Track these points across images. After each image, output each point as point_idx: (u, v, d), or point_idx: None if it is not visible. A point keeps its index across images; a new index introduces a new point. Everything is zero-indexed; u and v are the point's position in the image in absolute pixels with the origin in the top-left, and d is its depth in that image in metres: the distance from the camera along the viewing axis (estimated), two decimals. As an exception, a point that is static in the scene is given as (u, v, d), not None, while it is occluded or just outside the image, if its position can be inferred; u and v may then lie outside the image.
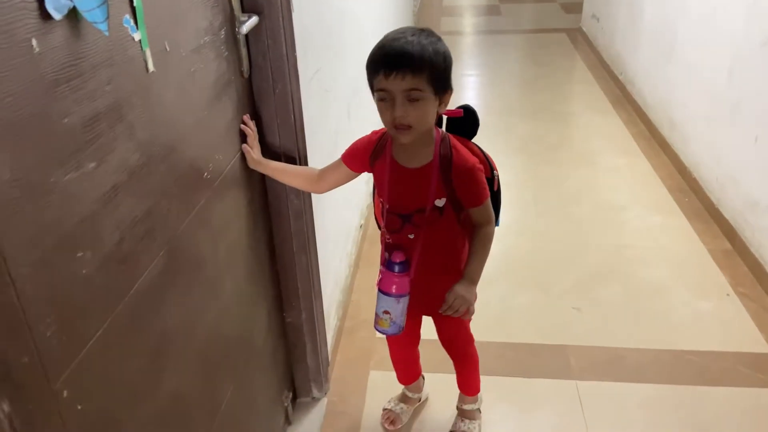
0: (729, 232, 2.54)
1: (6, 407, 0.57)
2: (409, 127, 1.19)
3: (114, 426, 0.86)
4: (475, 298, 1.35)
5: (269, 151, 1.46)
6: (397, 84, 1.15)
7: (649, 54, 3.76)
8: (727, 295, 2.25)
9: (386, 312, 1.39)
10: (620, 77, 4.33)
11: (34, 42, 0.67)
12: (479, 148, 1.42)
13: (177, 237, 1.03)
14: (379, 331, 1.44)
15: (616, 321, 2.16)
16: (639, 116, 3.81)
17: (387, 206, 1.38)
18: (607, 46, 4.80)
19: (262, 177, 1.50)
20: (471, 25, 6.77)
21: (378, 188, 1.41)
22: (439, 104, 1.23)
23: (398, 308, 1.38)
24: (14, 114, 0.64)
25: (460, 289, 1.31)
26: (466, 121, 1.39)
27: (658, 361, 1.97)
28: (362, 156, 1.39)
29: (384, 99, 1.18)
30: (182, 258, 1.06)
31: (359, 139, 1.41)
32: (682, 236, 2.62)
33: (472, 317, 1.55)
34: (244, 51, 1.32)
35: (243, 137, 1.36)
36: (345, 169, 1.43)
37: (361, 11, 2.62)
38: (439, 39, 1.22)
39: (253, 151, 1.37)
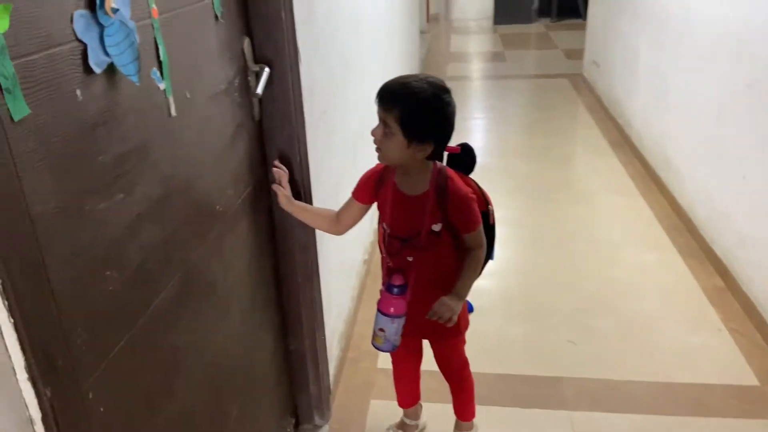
0: (721, 269, 2.62)
1: (49, 393, 0.67)
2: (379, 149, 1.38)
3: (132, 430, 0.95)
4: (459, 312, 1.46)
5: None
6: (380, 112, 1.36)
7: (644, 97, 3.91)
8: (719, 330, 2.32)
9: (381, 330, 1.51)
10: (619, 120, 4.47)
11: (78, 92, 0.80)
12: (475, 182, 1.55)
13: (191, 262, 1.14)
14: (375, 347, 1.55)
15: (609, 353, 2.23)
16: (636, 157, 3.93)
17: (388, 230, 1.51)
18: (607, 91, 4.96)
19: (270, 211, 1.62)
20: (477, 71, 6.99)
21: (381, 213, 1.53)
22: (409, 147, 1.34)
23: (392, 328, 1.49)
24: (60, 152, 0.76)
25: (446, 299, 1.43)
26: (463, 158, 1.52)
27: (650, 392, 2.03)
28: (368, 185, 1.53)
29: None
30: (195, 282, 1.17)
31: (365, 173, 1.55)
32: (676, 273, 2.70)
33: (465, 343, 1.66)
34: (256, 99, 1.45)
35: (254, 175, 1.48)
36: (357, 205, 1.56)
37: (366, 57, 2.78)
38: (438, 93, 1.33)
39: (285, 191, 1.53)
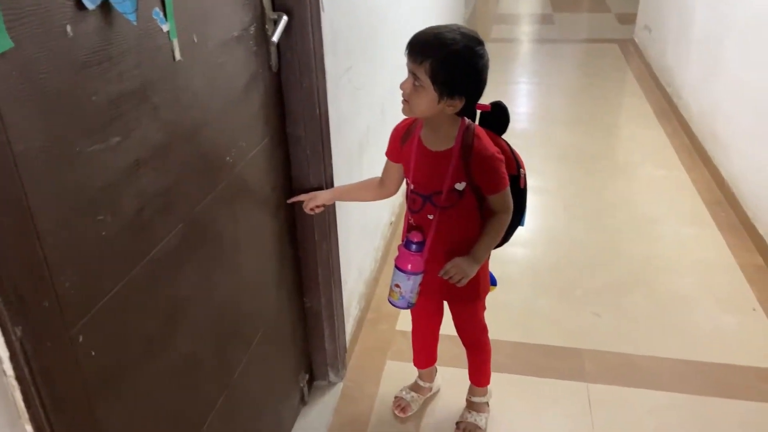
0: (762, 247, 2.49)
1: (18, 332, 0.67)
2: (407, 101, 1.33)
3: (126, 374, 0.96)
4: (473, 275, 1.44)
5: (295, 143, 1.56)
6: (409, 65, 1.30)
7: (697, 66, 3.70)
8: (753, 309, 2.21)
9: (397, 286, 1.49)
10: (668, 89, 4.27)
11: (68, 28, 0.77)
12: (507, 144, 1.48)
13: (195, 213, 1.13)
14: (390, 303, 1.54)
15: (635, 328, 2.16)
16: (683, 129, 3.75)
17: (411, 186, 1.47)
18: (658, 58, 4.73)
19: (288, 166, 1.59)
20: (523, 33, 6.76)
21: (405, 168, 1.50)
22: (440, 101, 1.29)
23: (408, 285, 1.47)
24: (47, 89, 0.74)
25: (460, 260, 1.41)
26: (496, 117, 1.46)
27: (674, 370, 1.97)
28: (395, 142, 1.50)
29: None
30: (200, 234, 1.16)
31: (393, 129, 1.51)
32: (714, 249, 2.59)
33: (485, 309, 1.65)
34: (273, 47, 1.41)
35: (270, 127, 1.46)
36: (391, 164, 1.54)
37: (402, 15, 2.70)
38: (472, 45, 1.27)
39: (312, 202, 1.57)
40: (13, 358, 0.68)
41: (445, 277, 1.41)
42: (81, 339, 0.84)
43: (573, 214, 2.93)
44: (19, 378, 0.72)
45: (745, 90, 2.86)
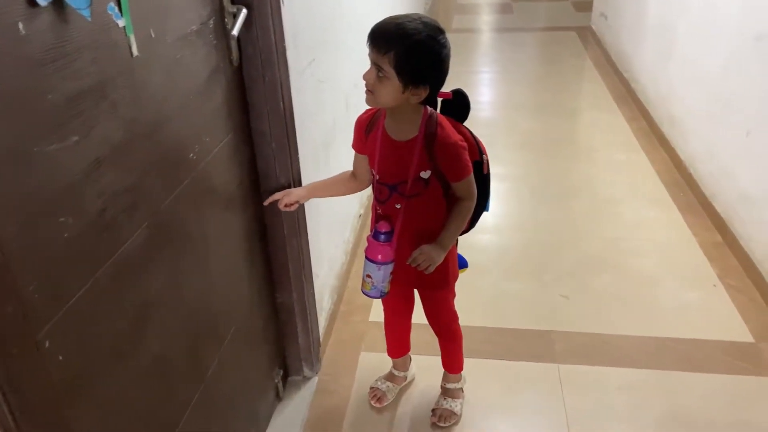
0: (720, 225, 2.57)
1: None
2: (370, 92, 1.32)
3: (96, 377, 0.94)
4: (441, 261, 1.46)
5: (260, 138, 1.55)
6: (372, 55, 1.30)
7: (652, 51, 3.78)
8: (714, 285, 2.29)
9: (369, 276, 1.50)
10: (625, 74, 4.35)
11: (20, 25, 0.75)
12: (469, 131, 1.50)
13: (160, 212, 1.11)
14: (364, 293, 1.55)
15: (603, 309, 2.21)
16: (641, 113, 3.83)
17: (377, 177, 1.47)
18: (614, 44, 4.82)
19: (253, 161, 1.58)
20: (484, 23, 6.81)
21: (370, 159, 1.50)
22: (405, 91, 1.30)
23: (379, 274, 1.48)
24: (1, 89, 0.72)
25: (427, 247, 1.43)
26: (457, 104, 1.47)
27: (642, 347, 2.02)
28: (359, 134, 1.50)
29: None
30: (166, 232, 1.14)
31: (356, 120, 1.51)
32: (675, 229, 2.66)
33: (455, 297, 1.67)
34: (233, 41, 1.39)
35: (234, 122, 1.44)
36: (360, 156, 1.54)
37: (363, 8, 2.69)
38: (434, 34, 1.27)
39: (287, 198, 1.56)
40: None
41: (413, 264, 1.42)
42: (48, 344, 0.82)
43: (539, 199, 2.97)
44: (-15, 386, 0.70)
45: (699, 73, 2.94)
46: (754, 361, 1.94)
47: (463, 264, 1.64)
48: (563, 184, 3.12)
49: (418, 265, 1.42)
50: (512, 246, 2.63)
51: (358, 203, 2.71)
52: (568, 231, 2.70)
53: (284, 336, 1.88)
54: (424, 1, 5.81)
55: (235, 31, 1.33)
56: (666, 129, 3.38)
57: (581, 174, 3.21)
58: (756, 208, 2.31)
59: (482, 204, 1.53)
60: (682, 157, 3.08)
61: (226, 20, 1.35)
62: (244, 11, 1.37)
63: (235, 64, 1.43)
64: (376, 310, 2.22)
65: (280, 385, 1.87)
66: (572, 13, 6.73)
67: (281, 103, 1.54)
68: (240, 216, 1.52)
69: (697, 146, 2.93)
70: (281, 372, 1.88)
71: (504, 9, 7.19)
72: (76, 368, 0.89)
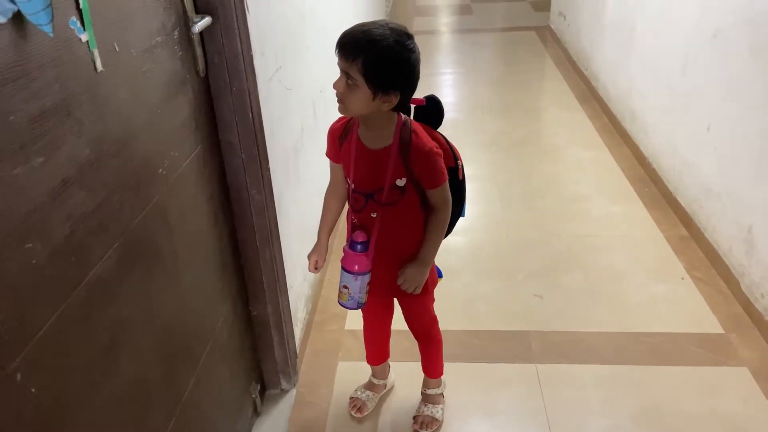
0: (685, 219, 2.63)
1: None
2: (341, 101, 1.31)
3: (70, 409, 0.90)
4: (428, 276, 1.49)
5: (229, 150, 1.51)
6: (340, 63, 1.28)
7: (611, 49, 3.86)
8: (682, 278, 2.33)
9: (345, 287, 1.49)
10: (585, 73, 4.43)
11: (-22, 44, 0.71)
12: (444, 137, 1.49)
13: (130, 231, 1.07)
14: (341, 304, 1.53)
15: (576, 306, 2.23)
16: (603, 110, 3.90)
17: (352, 186, 1.45)
18: (574, 43, 4.90)
19: (223, 174, 1.54)
20: (444, 25, 6.85)
21: (345, 168, 1.48)
22: (375, 98, 1.28)
23: (356, 285, 1.47)
24: (-41, 111, 0.68)
25: (410, 270, 1.44)
26: (430, 111, 1.46)
27: (614, 342, 2.05)
28: (333, 142, 1.48)
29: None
30: (137, 252, 1.10)
31: (329, 128, 1.49)
32: (641, 224, 2.71)
33: (434, 301, 1.67)
34: (199, 50, 1.36)
35: (202, 134, 1.40)
36: (334, 165, 1.52)
37: (326, 13, 2.67)
38: (402, 40, 1.26)
39: (320, 259, 1.59)
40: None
41: (402, 288, 1.47)
42: (19, 377, 0.78)
43: (507, 200, 2.99)
44: (-47, 428, 0.66)
45: (659, 70, 3.00)
46: (724, 351, 1.99)
47: (438, 275, 1.64)
48: (531, 182, 3.15)
49: (406, 289, 1.46)
50: (483, 247, 2.64)
51: (329, 210, 2.68)
52: (537, 229, 2.73)
53: (260, 349, 1.85)
54: (385, 4, 5.81)
55: (196, 30, 1.29)
56: (628, 125, 3.45)
57: (548, 172, 3.25)
58: (719, 201, 2.36)
59: (458, 210, 1.53)
60: (645, 152, 3.14)
61: (190, 30, 1.32)
62: (208, 18, 1.34)
63: (202, 74, 1.39)
64: (352, 319, 2.20)
65: (258, 399, 1.83)
66: (531, 12, 6.82)
67: (250, 112, 1.51)
68: (211, 230, 1.49)
69: (659, 142, 3.00)
70: (258, 386, 1.85)
71: (463, 10, 7.25)
72: (50, 400, 0.85)
